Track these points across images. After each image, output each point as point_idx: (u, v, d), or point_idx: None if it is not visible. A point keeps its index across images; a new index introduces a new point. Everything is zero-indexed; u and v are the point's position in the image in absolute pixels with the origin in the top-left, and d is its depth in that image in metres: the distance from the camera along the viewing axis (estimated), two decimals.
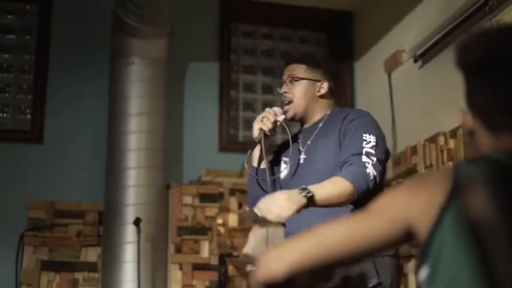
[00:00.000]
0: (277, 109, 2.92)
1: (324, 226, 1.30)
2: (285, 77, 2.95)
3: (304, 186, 2.53)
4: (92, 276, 5.23)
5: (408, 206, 1.22)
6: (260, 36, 6.31)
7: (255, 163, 2.91)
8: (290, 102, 2.90)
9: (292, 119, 2.93)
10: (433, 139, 4.80)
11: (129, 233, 4.87)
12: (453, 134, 4.58)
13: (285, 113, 2.92)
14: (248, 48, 6.25)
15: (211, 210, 5.29)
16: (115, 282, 4.89)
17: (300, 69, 2.93)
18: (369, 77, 5.97)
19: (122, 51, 5.31)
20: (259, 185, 2.90)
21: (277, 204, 2.47)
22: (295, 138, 2.96)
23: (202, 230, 5.24)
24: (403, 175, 5.08)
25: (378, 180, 2.63)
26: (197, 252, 5.20)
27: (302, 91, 2.89)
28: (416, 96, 5.19)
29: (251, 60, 6.22)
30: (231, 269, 5.10)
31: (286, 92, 2.91)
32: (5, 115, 5.63)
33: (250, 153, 2.92)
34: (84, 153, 5.52)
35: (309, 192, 2.49)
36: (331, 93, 2.94)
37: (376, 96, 5.79)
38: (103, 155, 5.32)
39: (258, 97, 6.12)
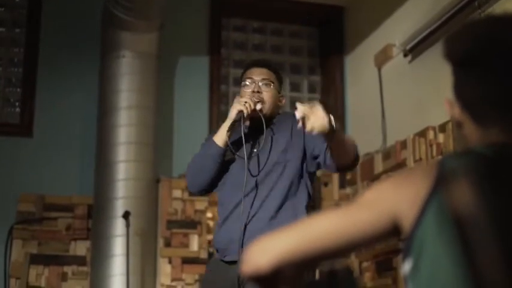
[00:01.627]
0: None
1: (311, 218, 1.30)
2: (257, 78, 3.12)
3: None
4: (80, 269, 5.23)
5: (394, 199, 1.22)
6: (251, 30, 6.30)
7: (220, 141, 3.02)
8: (262, 101, 3.08)
9: (262, 116, 3.06)
10: (422, 133, 4.82)
11: (119, 226, 4.86)
12: (442, 128, 4.60)
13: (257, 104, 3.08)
14: (239, 43, 6.25)
15: (200, 204, 5.29)
16: (104, 276, 4.88)
17: (272, 76, 3.16)
18: (359, 71, 5.98)
19: (112, 45, 5.29)
20: (217, 162, 3.05)
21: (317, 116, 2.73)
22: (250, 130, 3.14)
23: (191, 224, 5.24)
24: (392, 169, 5.10)
25: None
26: (186, 246, 5.21)
27: (273, 97, 3.13)
28: (406, 91, 5.20)
29: (242, 55, 6.22)
30: None
31: (259, 92, 3.09)
32: None
33: (228, 131, 3.03)
34: (73, 147, 5.51)
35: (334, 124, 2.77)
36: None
37: (366, 90, 5.80)
38: (93, 148, 5.30)
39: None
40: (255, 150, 3.08)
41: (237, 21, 6.26)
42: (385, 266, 5.07)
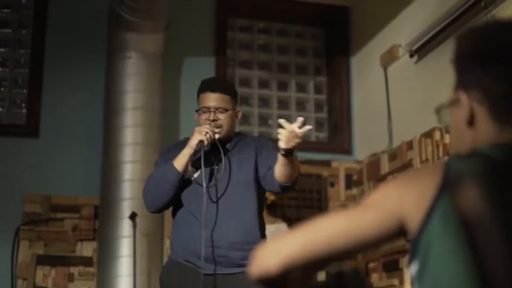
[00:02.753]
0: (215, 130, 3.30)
1: (319, 220, 1.30)
2: (212, 106, 3.31)
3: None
4: (87, 270, 5.24)
5: (400, 200, 1.22)
6: (256, 30, 6.30)
7: (180, 166, 3.21)
8: (220, 127, 3.28)
9: (218, 140, 3.26)
10: (428, 134, 4.81)
11: (125, 227, 4.86)
12: (449, 129, 4.58)
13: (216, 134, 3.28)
14: (244, 43, 6.25)
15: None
16: (111, 277, 4.89)
17: (226, 100, 3.34)
18: (365, 71, 5.97)
19: (118, 46, 5.30)
20: (176, 186, 3.24)
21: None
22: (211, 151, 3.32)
23: None
24: (398, 170, 5.09)
25: None
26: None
27: (229, 119, 3.33)
28: (412, 91, 5.19)
29: (247, 55, 6.22)
30: None
31: (216, 120, 3.29)
32: (0, 109, 5.62)
33: (190, 160, 3.24)
34: (80, 148, 5.51)
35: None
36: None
37: (372, 91, 5.80)
38: (99, 149, 5.31)
39: (254, 92, 6.12)
40: (215, 174, 3.29)
41: (243, 22, 6.26)
42: (392, 267, 5.07)
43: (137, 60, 5.25)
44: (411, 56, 5.19)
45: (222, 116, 3.31)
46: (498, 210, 1.12)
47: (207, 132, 3.19)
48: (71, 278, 5.22)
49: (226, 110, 3.31)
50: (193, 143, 3.19)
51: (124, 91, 5.21)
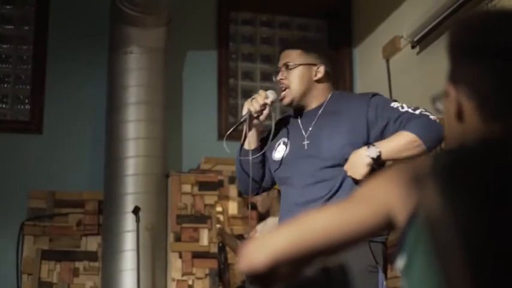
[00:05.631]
0: (270, 92, 2.89)
1: (307, 215, 1.30)
2: (280, 64, 2.92)
3: (372, 144, 2.61)
4: (92, 265, 5.25)
5: (388, 194, 1.22)
6: (259, 23, 6.29)
7: (246, 144, 2.90)
8: (287, 88, 2.87)
9: (290, 104, 2.91)
10: None
11: (129, 222, 4.88)
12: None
13: (282, 99, 2.90)
14: (247, 36, 6.24)
15: (210, 198, 5.29)
16: (115, 271, 4.91)
17: (294, 55, 2.89)
18: (368, 63, 5.96)
19: (120, 41, 5.30)
20: (241, 164, 2.92)
21: (354, 167, 2.62)
22: (294, 120, 2.95)
23: (201, 218, 5.24)
24: (399, 161, 5.07)
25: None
26: (197, 240, 5.21)
27: (298, 77, 2.85)
28: (415, 82, 5.18)
29: (250, 48, 6.21)
30: (230, 257, 5.12)
31: (282, 79, 2.88)
32: (4, 105, 5.63)
33: (232, 130, 2.96)
34: (83, 143, 5.53)
35: (376, 152, 2.58)
36: (328, 77, 2.90)
37: (375, 82, 5.78)
38: (102, 144, 5.33)
39: (256, 85, 6.11)
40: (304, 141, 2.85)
41: (245, 15, 6.25)
42: (394, 257, 5.05)
43: (139, 54, 5.26)
44: (413, 47, 5.18)
45: (286, 74, 2.87)
46: (456, 212, 1.10)
47: (253, 98, 2.86)
48: (76, 272, 5.24)
49: (289, 65, 2.86)
50: (243, 113, 2.87)
51: (126, 86, 5.22)
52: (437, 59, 4.77)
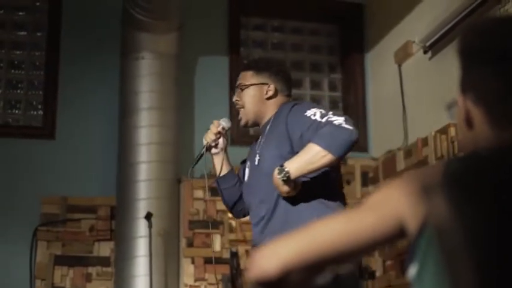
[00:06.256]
0: (223, 120, 3.09)
1: (318, 223, 1.30)
2: (236, 86, 3.09)
3: (281, 166, 2.70)
4: (105, 270, 5.26)
5: (399, 202, 1.21)
6: (270, 29, 6.29)
7: (217, 172, 3.16)
8: (242, 108, 3.03)
9: (246, 125, 3.08)
10: (444, 130, 4.78)
11: (141, 227, 4.88)
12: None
13: (240, 120, 3.07)
14: (258, 41, 6.24)
15: (222, 204, 5.25)
16: (128, 277, 4.91)
17: (247, 76, 3.05)
18: (380, 68, 5.95)
19: (132, 46, 5.32)
20: (221, 190, 3.19)
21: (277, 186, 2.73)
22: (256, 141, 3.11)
23: (213, 224, 5.23)
24: (414, 166, 5.06)
25: (350, 119, 2.71)
26: (209, 246, 5.21)
27: (250, 97, 3.01)
28: (427, 87, 5.17)
29: (261, 53, 6.21)
30: (243, 263, 5.11)
31: (237, 100, 3.05)
32: (17, 111, 5.66)
33: (195, 164, 3.18)
34: (95, 148, 5.54)
35: (285, 173, 2.68)
36: (280, 94, 3.04)
37: (387, 87, 5.78)
38: (114, 149, 5.34)
39: None
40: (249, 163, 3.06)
41: (256, 20, 6.25)
42: (405, 265, 5.03)
43: (151, 60, 5.27)
44: (425, 52, 5.16)
45: (240, 95, 3.04)
46: (467, 216, 1.09)
47: (208, 130, 3.08)
48: (88, 278, 5.25)
49: (242, 87, 3.03)
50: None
51: (138, 91, 5.23)
52: (450, 64, 4.75)
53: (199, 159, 3.15)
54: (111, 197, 5.27)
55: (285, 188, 2.70)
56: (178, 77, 5.42)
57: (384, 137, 5.80)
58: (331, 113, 2.73)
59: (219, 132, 3.06)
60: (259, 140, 3.05)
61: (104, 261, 5.29)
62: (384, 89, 5.88)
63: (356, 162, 5.86)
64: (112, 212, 5.31)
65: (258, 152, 2.98)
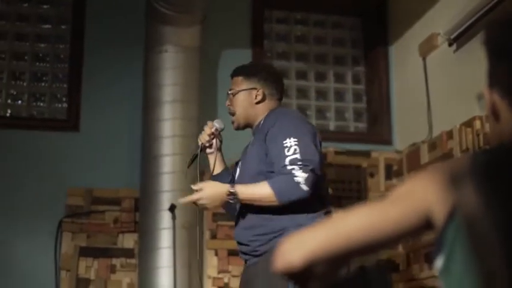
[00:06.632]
0: (216, 121, 3.24)
1: (343, 214, 1.29)
2: (228, 91, 3.24)
3: (233, 185, 2.94)
4: (129, 262, 5.29)
5: (426, 193, 1.20)
6: (293, 22, 6.28)
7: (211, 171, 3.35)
8: (234, 113, 3.19)
9: (238, 128, 3.23)
10: (469, 123, 4.75)
11: (165, 219, 4.91)
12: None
13: (232, 123, 3.24)
14: (282, 35, 6.23)
15: None
16: (152, 268, 4.94)
17: (237, 81, 3.20)
18: (404, 61, 5.91)
19: (155, 40, 5.33)
20: None
21: (209, 199, 2.98)
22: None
23: None
24: (438, 160, 5.04)
25: (311, 179, 2.84)
26: (232, 238, 5.21)
27: (240, 102, 3.15)
28: (452, 80, 5.14)
29: (285, 47, 6.20)
30: None
31: (229, 105, 3.21)
32: (41, 104, 5.70)
33: (190, 163, 3.35)
34: (119, 140, 5.57)
35: (234, 198, 2.91)
36: (269, 98, 3.16)
37: (411, 80, 5.74)
38: (138, 142, 5.36)
39: (292, 83, 6.10)
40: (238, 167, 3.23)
41: (280, 13, 6.24)
42: (432, 257, 5.01)
43: (174, 53, 5.28)
44: (450, 44, 5.12)
45: (232, 101, 3.20)
46: (495, 207, 1.09)
47: (202, 131, 3.23)
48: (113, 269, 5.29)
49: (233, 93, 3.18)
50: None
51: (162, 84, 5.25)
52: (475, 57, 4.71)
53: (193, 159, 3.30)
54: (135, 189, 5.30)
55: (219, 205, 3.06)
56: (201, 70, 5.43)
57: (408, 130, 5.77)
58: (299, 162, 2.84)
59: (213, 133, 3.19)
60: (249, 142, 3.21)
61: (128, 253, 5.32)
62: (408, 82, 5.85)
63: (380, 155, 5.85)
64: (136, 204, 5.34)
65: (246, 153, 3.15)
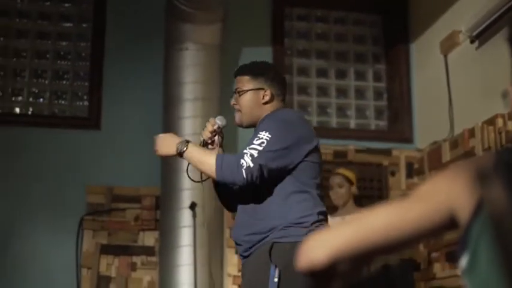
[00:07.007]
0: (218, 118, 3.17)
1: (367, 212, 1.29)
2: (234, 89, 3.19)
3: (187, 140, 3.00)
4: (149, 259, 5.32)
5: (450, 191, 1.19)
6: (314, 19, 6.26)
7: None
8: (239, 111, 3.15)
9: (241, 126, 3.20)
10: (491, 121, 4.72)
11: (186, 217, 4.91)
12: None
13: (234, 119, 3.19)
14: (302, 32, 6.22)
15: None
16: (172, 266, 4.95)
17: (244, 81, 3.15)
18: (425, 59, 5.88)
19: (175, 37, 5.34)
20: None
21: (162, 144, 3.08)
22: None
23: None
24: (460, 158, 5.01)
25: (255, 172, 2.82)
26: None
27: (247, 101, 3.11)
28: (474, 78, 5.10)
29: (305, 44, 6.19)
30: None
31: (234, 104, 3.16)
32: (63, 102, 5.74)
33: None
34: (140, 139, 5.57)
35: (185, 148, 2.96)
36: (276, 99, 3.15)
37: (433, 78, 5.71)
38: None
39: (312, 81, 6.09)
40: None
41: (300, 11, 6.23)
42: (455, 256, 4.98)
43: (195, 51, 5.29)
44: (472, 41, 5.09)
45: (238, 100, 3.15)
46: None
47: (205, 127, 3.18)
48: (133, 267, 5.31)
49: (240, 92, 3.13)
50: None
51: (182, 82, 5.26)
52: (497, 54, 4.68)
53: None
54: (155, 187, 5.31)
55: (168, 154, 3.06)
56: (222, 67, 5.43)
57: (429, 128, 5.74)
58: (259, 148, 2.85)
59: (215, 130, 3.14)
60: None
61: (148, 251, 5.34)
62: (429, 80, 5.81)
63: (401, 153, 5.82)
64: (157, 201, 5.36)
65: None
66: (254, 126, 3.15)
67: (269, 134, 2.89)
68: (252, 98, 3.11)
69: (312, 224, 2.86)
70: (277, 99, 3.15)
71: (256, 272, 2.88)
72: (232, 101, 3.17)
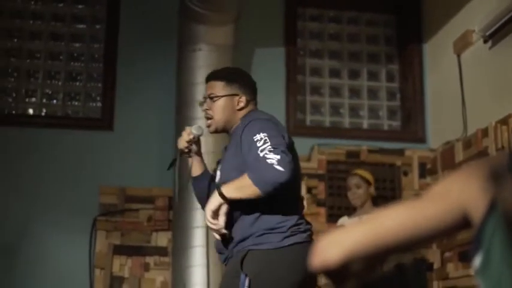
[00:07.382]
0: (194, 128, 3.15)
1: (380, 212, 1.29)
2: (206, 94, 3.13)
3: (217, 186, 2.89)
4: (162, 260, 5.33)
5: (464, 190, 1.19)
6: (327, 19, 6.26)
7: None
8: (211, 118, 3.09)
9: (215, 132, 3.16)
10: (504, 121, 4.70)
11: (199, 217, 4.91)
12: None
13: (208, 126, 3.14)
14: (315, 32, 6.22)
15: None
16: (185, 266, 4.95)
17: (218, 86, 3.10)
18: (438, 58, 5.86)
19: (188, 38, 5.35)
20: (195, 190, 3.38)
21: (208, 206, 2.85)
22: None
23: None
24: (473, 158, 4.99)
25: (286, 159, 2.75)
26: None
27: (221, 107, 3.07)
28: (487, 78, 5.08)
29: (318, 44, 6.19)
30: None
31: (207, 110, 3.10)
32: (76, 103, 5.76)
33: (169, 167, 3.38)
34: (153, 139, 5.60)
35: (220, 192, 2.82)
36: (249, 104, 3.12)
37: (446, 78, 5.69)
38: (171, 141, 5.37)
39: (325, 81, 6.09)
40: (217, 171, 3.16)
41: (313, 11, 6.22)
42: (469, 257, 4.97)
43: (208, 52, 5.29)
44: (485, 41, 5.07)
45: (210, 105, 3.09)
46: None
47: (181, 136, 3.17)
48: (146, 267, 5.32)
49: (213, 97, 3.07)
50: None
51: (195, 83, 5.26)
52: (511, 54, 4.66)
53: (172, 163, 3.33)
54: (168, 187, 5.32)
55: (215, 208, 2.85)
56: None
57: (442, 128, 5.72)
58: (269, 147, 2.78)
59: (191, 140, 3.14)
60: (227, 145, 3.16)
61: (161, 251, 5.35)
62: (442, 79, 5.80)
63: (414, 153, 5.81)
64: (169, 202, 5.37)
65: (225, 156, 3.11)
66: (226, 131, 3.14)
67: (264, 133, 2.84)
68: (226, 103, 3.07)
69: (289, 228, 2.81)
70: (251, 104, 3.14)
71: (228, 281, 2.87)
72: (205, 107, 3.12)
